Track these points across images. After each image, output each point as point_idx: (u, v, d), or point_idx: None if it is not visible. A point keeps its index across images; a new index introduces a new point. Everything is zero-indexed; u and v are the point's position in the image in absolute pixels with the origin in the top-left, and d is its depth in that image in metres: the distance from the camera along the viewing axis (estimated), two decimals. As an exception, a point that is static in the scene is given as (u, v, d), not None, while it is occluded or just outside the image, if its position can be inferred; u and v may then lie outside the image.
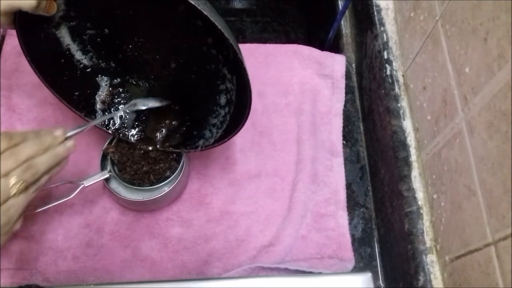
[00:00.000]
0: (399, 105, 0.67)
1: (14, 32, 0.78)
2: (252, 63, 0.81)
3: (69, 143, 0.52)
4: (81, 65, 0.50)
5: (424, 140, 0.62)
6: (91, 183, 0.61)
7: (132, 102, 0.58)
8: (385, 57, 0.70)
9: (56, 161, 0.51)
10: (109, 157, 0.65)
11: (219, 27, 0.34)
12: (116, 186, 0.65)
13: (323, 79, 0.81)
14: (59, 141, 0.51)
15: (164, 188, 0.65)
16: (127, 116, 0.59)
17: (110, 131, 0.63)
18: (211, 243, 0.68)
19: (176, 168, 0.65)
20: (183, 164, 0.66)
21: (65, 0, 0.43)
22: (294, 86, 0.80)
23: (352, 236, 0.71)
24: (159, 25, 0.44)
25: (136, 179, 0.65)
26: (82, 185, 0.59)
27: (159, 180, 0.65)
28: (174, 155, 0.67)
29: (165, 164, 0.66)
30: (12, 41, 0.79)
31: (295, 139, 0.76)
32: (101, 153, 0.66)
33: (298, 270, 0.65)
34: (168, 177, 0.65)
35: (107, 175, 0.64)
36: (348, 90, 0.81)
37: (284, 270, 0.65)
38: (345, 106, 0.80)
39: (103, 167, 0.66)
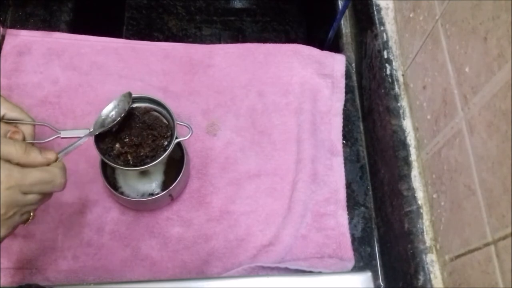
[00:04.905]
0: (399, 104, 0.67)
1: (14, 31, 0.79)
2: (252, 62, 0.81)
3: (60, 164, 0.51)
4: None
5: (424, 139, 0.62)
6: (67, 136, 0.57)
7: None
8: (385, 56, 0.70)
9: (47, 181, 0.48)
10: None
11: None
12: (116, 183, 0.65)
13: (323, 79, 0.81)
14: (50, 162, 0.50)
15: (164, 188, 0.65)
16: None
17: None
18: (211, 242, 0.68)
19: (171, 140, 0.61)
20: (184, 164, 0.66)
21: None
22: (294, 86, 0.80)
23: (352, 235, 0.71)
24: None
25: (131, 157, 0.61)
26: (58, 135, 0.57)
27: (156, 155, 0.61)
28: (169, 130, 0.63)
29: (161, 139, 0.63)
30: (12, 40, 0.79)
31: (295, 138, 0.76)
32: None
33: (298, 270, 0.65)
34: (166, 148, 0.61)
35: (87, 133, 0.58)
36: (348, 89, 0.81)
37: (284, 270, 0.65)
38: (345, 105, 0.80)
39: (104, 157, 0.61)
